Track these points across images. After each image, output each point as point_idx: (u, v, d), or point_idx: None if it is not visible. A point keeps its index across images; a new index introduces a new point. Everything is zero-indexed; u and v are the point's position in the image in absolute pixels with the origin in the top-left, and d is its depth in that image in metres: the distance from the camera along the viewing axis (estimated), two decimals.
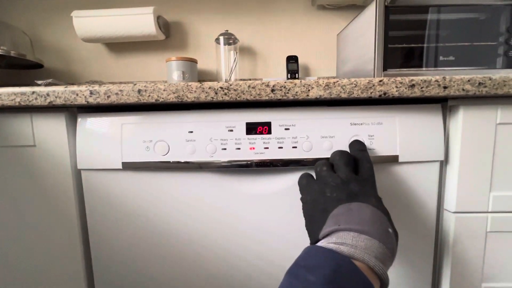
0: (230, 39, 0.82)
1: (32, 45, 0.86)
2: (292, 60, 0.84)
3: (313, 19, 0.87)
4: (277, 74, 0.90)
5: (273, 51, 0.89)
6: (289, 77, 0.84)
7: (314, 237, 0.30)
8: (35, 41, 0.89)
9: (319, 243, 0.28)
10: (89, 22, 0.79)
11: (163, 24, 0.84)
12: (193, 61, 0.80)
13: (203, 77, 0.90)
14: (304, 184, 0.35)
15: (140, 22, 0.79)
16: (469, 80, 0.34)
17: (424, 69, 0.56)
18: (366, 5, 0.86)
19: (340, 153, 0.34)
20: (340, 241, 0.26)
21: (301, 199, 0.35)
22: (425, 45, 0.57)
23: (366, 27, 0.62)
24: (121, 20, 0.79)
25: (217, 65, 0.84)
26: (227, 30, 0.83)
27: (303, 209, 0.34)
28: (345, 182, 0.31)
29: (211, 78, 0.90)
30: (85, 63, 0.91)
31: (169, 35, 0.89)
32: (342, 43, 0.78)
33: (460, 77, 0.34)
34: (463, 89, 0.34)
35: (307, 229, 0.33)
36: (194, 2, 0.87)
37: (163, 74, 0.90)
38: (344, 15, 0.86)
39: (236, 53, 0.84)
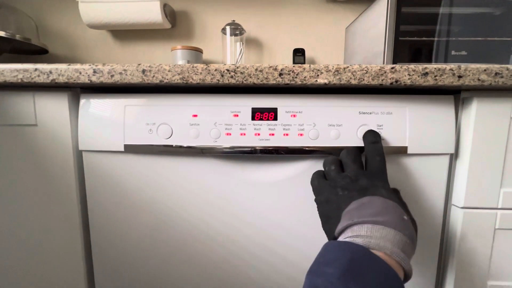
0: (236, 29, 0.81)
1: (37, 30, 0.86)
2: (298, 53, 0.83)
3: (321, 12, 0.86)
4: None
5: (280, 43, 0.87)
6: None
7: (331, 236, 0.31)
8: (40, 26, 0.88)
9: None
10: (95, 8, 0.78)
11: (169, 13, 0.83)
12: (199, 51, 0.79)
13: None
14: (316, 185, 0.35)
15: (146, 9, 0.78)
16: (485, 70, 0.33)
17: (435, 64, 0.55)
18: None
19: (347, 151, 0.35)
20: (355, 234, 0.26)
21: (315, 200, 0.35)
22: (437, 39, 0.55)
23: (376, 20, 0.60)
24: (127, 6, 0.78)
25: (223, 56, 0.83)
26: (233, 21, 0.82)
27: (318, 209, 0.34)
28: (354, 180, 0.32)
29: None
30: (89, 50, 0.90)
31: (175, 24, 0.88)
32: (351, 36, 0.77)
33: (476, 67, 0.33)
34: (478, 79, 0.33)
35: (324, 229, 0.33)
36: None
37: (168, 62, 0.89)
38: (354, 8, 0.84)
39: (242, 44, 0.82)
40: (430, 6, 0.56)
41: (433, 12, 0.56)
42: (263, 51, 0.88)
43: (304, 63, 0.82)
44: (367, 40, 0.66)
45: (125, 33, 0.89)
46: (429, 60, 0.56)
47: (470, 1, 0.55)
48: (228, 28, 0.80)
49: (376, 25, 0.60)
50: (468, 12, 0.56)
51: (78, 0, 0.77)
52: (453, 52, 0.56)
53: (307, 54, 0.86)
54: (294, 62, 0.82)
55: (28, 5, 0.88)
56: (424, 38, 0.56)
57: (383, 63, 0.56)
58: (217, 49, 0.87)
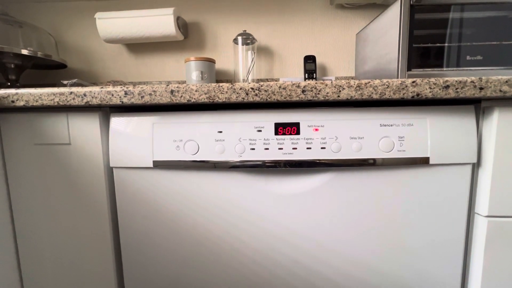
0: (248, 39, 0.82)
1: (56, 46, 0.89)
2: (309, 60, 0.84)
3: (331, 19, 0.86)
4: (294, 74, 0.89)
5: (291, 50, 0.88)
6: (306, 77, 0.83)
7: None
8: (59, 42, 0.92)
9: None
10: (111, 24, 0.81)
11: (182, 25, 0.85)
12: (211, 61, 0.81)
13: (220, 77, 0.91)
14: None
15: (160, 23, 0.80)
16: (506, 81, 0.33)
17: (451, 69, 0.55)
18: (387, 4, 0.84)
19: None
20: None
21: None
22: (452, 44, 0.55)
23: (389, 26, 0.61)
24: (142, 21, 0.80)
25: (235, 65, 0.85)
26: (245, 30, 0.83)
27: None
28: None
29: (229, 78, 0.91)
30: (105, 63, 0.93)
31: (188, 35, 0.90)
32: (362, 42, 0.77)
33: (497, 78, 0.33)
34: (500, 90, 0.33)
35: None
36: (212, 2, 0.88)
37: (181, 73, 0.91)
38: (363, 14, 0.85)
39: (254, 53, 0.84)
40: (443, 12, 0.56)
41: (447, 17, 0.56)
42: (274, 59, 0.90)
43: (315, 69, 0.83)
44: (379, 46, 0.66)
45: (139, 46, 0.91)
46: (445, 65, 0.56)
47: (484, 5, 0.55)
48: (239, 38, 0.82)
49: (389, 31, 0.61)
50: (482, 16, 0.56)
51: (95, 17, 0.80)
52: (468, 57, 0.56)
53: (318, 60, 0.87)
54: (305, 69, 0.83)
55: (47, 22, 0.92)
56: (438, 44, 0.56)
57: (397, 69, 0.57)
58: (229, 58, 0.89)
